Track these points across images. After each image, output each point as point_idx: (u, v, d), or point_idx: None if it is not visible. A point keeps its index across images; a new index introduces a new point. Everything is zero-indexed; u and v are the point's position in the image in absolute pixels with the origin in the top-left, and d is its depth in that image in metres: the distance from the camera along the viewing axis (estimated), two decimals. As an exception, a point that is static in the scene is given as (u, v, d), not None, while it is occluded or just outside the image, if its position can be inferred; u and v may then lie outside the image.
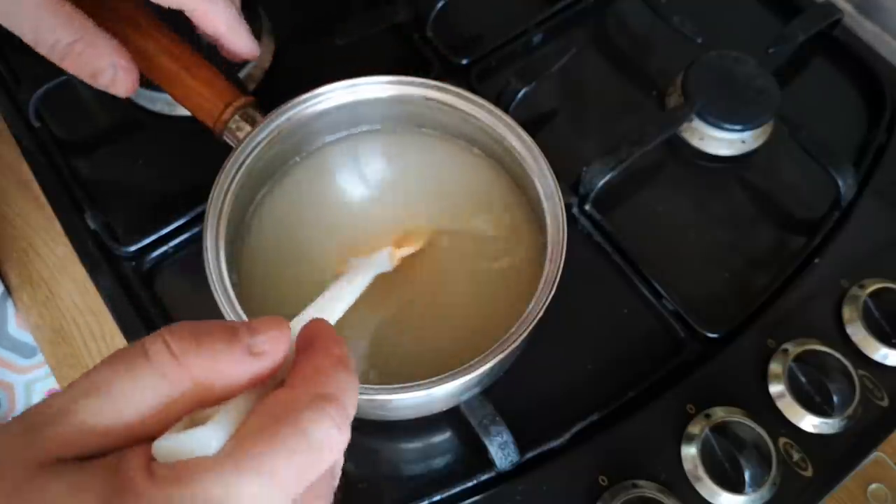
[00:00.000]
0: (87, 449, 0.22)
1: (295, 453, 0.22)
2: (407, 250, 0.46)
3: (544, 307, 0.41)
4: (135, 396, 0.22)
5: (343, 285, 0.38)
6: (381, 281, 0.47)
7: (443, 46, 0.63)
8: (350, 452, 0.49)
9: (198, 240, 0.44)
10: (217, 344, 0.24)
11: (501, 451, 0.46)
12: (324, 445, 0.23)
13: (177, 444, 0.22)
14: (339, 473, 0.27)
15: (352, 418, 0.24)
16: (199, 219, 0.47)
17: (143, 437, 0.23)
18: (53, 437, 0.22)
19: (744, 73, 0.60)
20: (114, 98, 0.61)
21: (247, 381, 0.24)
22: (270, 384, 0.25)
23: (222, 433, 0.22)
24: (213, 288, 0.41)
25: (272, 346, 0.25)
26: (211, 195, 0.45)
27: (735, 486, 0.45)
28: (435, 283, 0.48)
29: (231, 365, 0.24)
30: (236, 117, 0.48)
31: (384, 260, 0.45)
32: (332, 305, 0.35)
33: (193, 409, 0.23)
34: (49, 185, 0.58)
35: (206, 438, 0.22)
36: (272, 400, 0.23)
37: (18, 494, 0.20)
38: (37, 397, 0.68)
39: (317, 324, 0.27)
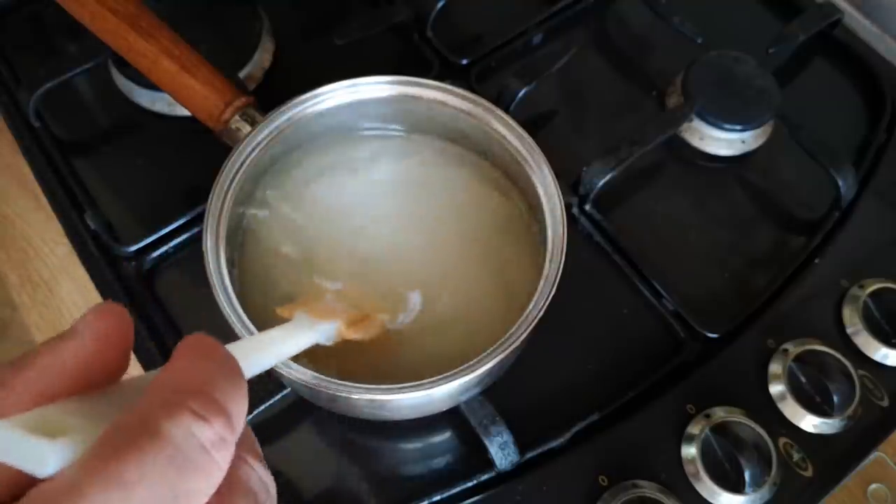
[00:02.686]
0: None
1: (152, 458, 0.18)
2: (355, 335, 0.42)
3: (544, 307, 0.41)
4: None
5: (281, 335, 0.35)
6: (382, 279, 0.47)
7: (443, 46, 0.63)
8: (350, 452, 0.49)
9: (198, 240, 0.44)
10: (35, 353, 0.21)
11: (501, 451, 0.46)
12: (190, 442, 0.18)
13: (5, 443, 0.18)
14: (261, 494, 0.22)
15: (232, 412, 0.20)
16: (199, 219, 0.47)
17: (7, 493, 0.20)
18: None
19: (744, 73, 0.60)
20: (114, 98, 0.62)
21: (75, 367, 0.21)
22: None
23: (65, 454, 0.18)
24: (213, 288, 0.41)
25: (89, 319, 0.22)
26: (211, 195, 0.44)
27: (735, 487, 0.45)
28: (435, 282, 0.48)
29: (53, 362, 0.21)
30: (236, 117, 0.48)
31: (329, 333, 0.40)
32: (261, 351, 0.31)
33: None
34: (49, 185, 0.58)
35: (44, 455, 0.18)
36: (122, 416, 0.19)
37: None
38: None
39: (188, 337, 0.22)
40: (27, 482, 0.19)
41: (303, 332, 0.37)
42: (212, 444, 0.19)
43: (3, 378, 0.20)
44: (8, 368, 0.21)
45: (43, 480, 0.18)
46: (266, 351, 0.32)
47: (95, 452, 0.18)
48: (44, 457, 0.18)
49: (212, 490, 0.19)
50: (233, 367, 0.21)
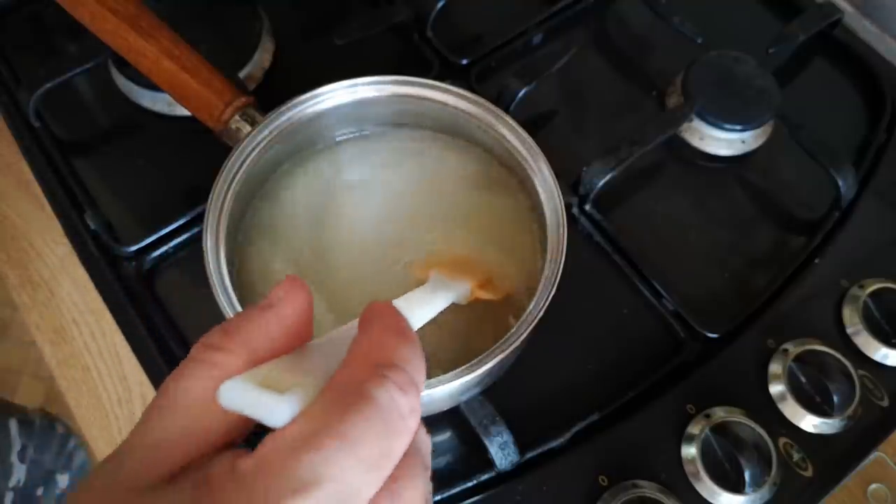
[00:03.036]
0: (175, 465, 0.22)
1: (367, 420, 0.21)
2: (486, 295, 0.44)
3: (544, 307, 0.41)
4: (189, 400, 0.23)
5: (427, 295, 0.37)
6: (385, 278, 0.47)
7: (443, 46, 0.63)
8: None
9: (198, 240, 0.44)
10: (241, 320, 0.24)
11: (501, 451, 0.46)
12: (393, 409, 0.22)
13: (244, 396, 0.22)
14: (429, 464, 0.25)
15: (419, 385, 0.23)
16: (199, 219, 0.47)
17: (222, 435, 0.23)
18: (134, 463, 0.22)
19: (744, 73, 0.60)
20: (114, 98, 0.62)
21: (278, 331, 0.24)
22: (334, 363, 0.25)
23: (294, 407, 0.22)
24: (213, 288, 0.41)
25: (285, 291, 0.25)
26: (211, 195, 0.44)
27: (735, 486, 0.45)
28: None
29: (260, 327, 0.24)
30: (236, 117, 0.48)
31: (465, 292, 0.43)
32: (414, 312, 0.34)
33: None
34: (49, 185, 0.58)
35: (278, 407, 0.21)
36: (335, 379, 0.23)
37: None
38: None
39: (375, 304, 0.26)
40: (248, 428, 0.23)
41: (442, 293, 0.39)
42: (409, 411, 0.22)
43: (219, 342, 0.24)
44: (219, 335, 0.24)
45: (271, 430, 0.21)
46: (417, 312, 0.35)
47: (323, 409, 0.21)
48: (278, 409, 0.21)
49: (403, 451, 0.22)
50: (418, 344, 0.25)
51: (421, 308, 0.35)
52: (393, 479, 0.22)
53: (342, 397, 0.22)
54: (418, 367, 0.24)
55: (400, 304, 0.33)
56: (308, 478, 0.20)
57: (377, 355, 0.23)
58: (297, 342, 0.25)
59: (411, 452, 0.23)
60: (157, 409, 0.23)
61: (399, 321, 0.25)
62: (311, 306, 0.26)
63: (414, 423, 0.23)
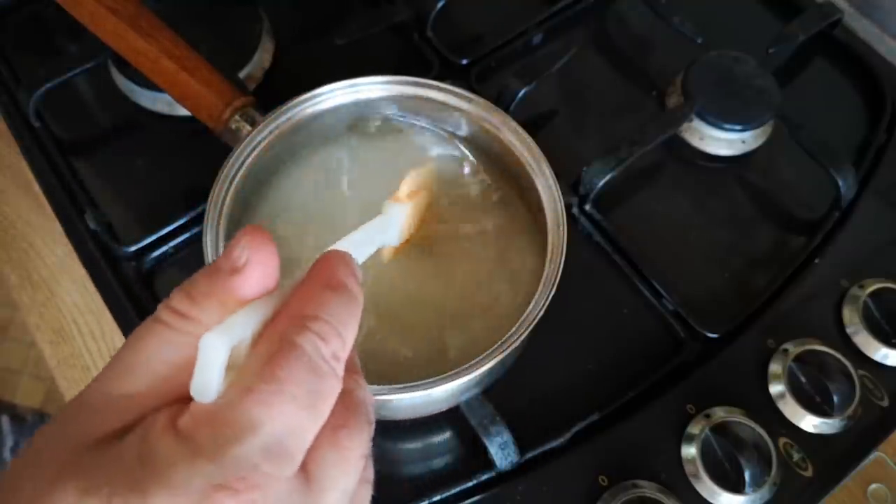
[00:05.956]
0: (124, 423, 0.22)
1: (292, 362, 0.22)
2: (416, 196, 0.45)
3: (544, 307, 0.41)
4: (150, 361, 0.23)
5: (371, 233, 0.38)
6: (380, 281, 0.47)
7: (443, 46, 0.63)
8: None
9: (198, 240, 0.44)
10: (206, 286, 0.24)
11: (501, 451, 0.46)
12: (315, 353, 0.23)
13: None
14: (372, 420, 0.26)
15: (343, 336, 0.24)
16: (199, 219, 0.47)
17: (174, 398, 0.23)
18: (83, 420, 0.22)
19: (744, 73, 0.60)
20: (114, 98, 0.62)
21: (246, 296, 0.24)
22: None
23: (227, 338, 0.22)
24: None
25: (250, 251, 0.24)
26: (211, 195, 0.44)
27: (735, 486, 0.45)
28: (435, 283, 0.48)
29: (226, 294, 0.24)
30: (236, 117, 0.48)
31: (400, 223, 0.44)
32: (361, 248, 0.35)
33: None
34: (49, 185, 0.58)
35: (212, 345, 0.22)
36: (263, 334, 0.23)
37: (59, 479, 0.20)
38: None
39: (327, 253, 0.26)
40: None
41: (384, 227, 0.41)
42: (331, 356, 0.23)
43: (182, 308, 0.23)
44: (184, 300, 0.24)
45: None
46: (361, 250, 0.35)
47: (251, 359, 0.23)
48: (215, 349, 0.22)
49: (335, 395, 0.23)
50: (348, 296, 0.25)
51: (364, 246, 0.36)
52: (332, 427, 0.23)
53: (268, 347, 0.23)
54: (343, 319, 0.24)
55: (343, 244, 0.32)
56: (246, 422, 0.21)
57: (304, 308, 0.24)
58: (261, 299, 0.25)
59: (351, 405, 0.24)
60: (112, 368, 0.23)
61: (333, 274, 0.25)
62: (278, 264, 0.25)
63: (339, 368, 0.23)
